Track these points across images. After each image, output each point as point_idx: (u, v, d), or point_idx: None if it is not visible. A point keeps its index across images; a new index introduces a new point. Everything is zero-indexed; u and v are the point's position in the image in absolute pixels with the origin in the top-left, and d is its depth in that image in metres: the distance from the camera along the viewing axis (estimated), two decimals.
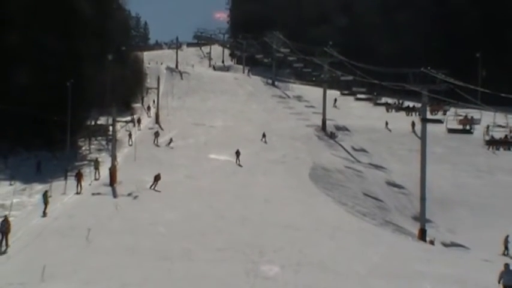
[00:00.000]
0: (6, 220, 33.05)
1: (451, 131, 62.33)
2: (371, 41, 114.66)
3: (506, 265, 24.64)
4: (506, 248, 41.66)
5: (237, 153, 60.12)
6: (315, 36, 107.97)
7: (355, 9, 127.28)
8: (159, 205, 43.05)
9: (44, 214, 39.55)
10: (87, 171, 54.88)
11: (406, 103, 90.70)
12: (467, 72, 77.21)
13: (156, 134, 68.84)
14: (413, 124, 76.36)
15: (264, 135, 70.76)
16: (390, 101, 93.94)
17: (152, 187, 47.70)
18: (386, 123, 79.38)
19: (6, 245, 32.45)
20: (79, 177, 48.22)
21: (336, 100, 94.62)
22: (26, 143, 64.15)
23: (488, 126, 59.99)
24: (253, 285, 26.05)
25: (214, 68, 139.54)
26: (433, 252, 40.37)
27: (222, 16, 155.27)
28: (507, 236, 41.83)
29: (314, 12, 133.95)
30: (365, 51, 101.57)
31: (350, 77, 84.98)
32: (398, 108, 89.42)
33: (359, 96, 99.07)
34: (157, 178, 48.16)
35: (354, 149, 73.60)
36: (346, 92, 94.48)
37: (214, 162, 61.04)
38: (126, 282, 25.69)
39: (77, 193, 46.82)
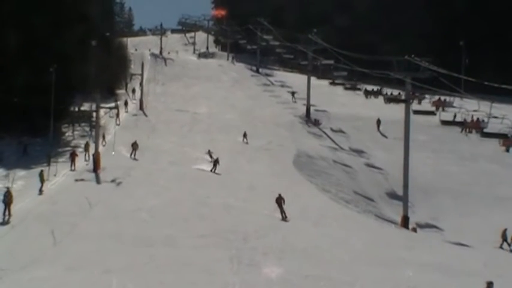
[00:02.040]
0: (8, 192, 36.26)
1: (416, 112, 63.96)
2: (357, 28, 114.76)
3: (490, 284, 23.09)
4: (505, 241, 41.65)
5: (216, 161, 51.98)
6: (300, 24, 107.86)
7: None
8: (142, 191, 42.95)
9: (41, 192, 40.45)
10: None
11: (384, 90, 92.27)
12: (450, 61, 77.23)
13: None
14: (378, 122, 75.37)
15: (245, 135, 64.11)
16: (371, 88, 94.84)
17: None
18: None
19: (9, 214, 35.47)
20: (73, 157, 48.48)
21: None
22: (9, 129, 63.70)
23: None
24: (237, 272, 26.09)
25: (199, 56, 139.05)
26: (415, 240, 40.56)
27: (220, 13, 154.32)
28: (505, 230, 41.83)
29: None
30: (348, 39, 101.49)
31: (331, 61, 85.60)
32: (377, 94, 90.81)
33: (337, 81, 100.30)
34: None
35: (332, 130, 74.43)
36: (326, 78, 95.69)
37: (198, 148, 60.91)
38: (109, 268, 25.65)
39: (72, 170, 50.17)
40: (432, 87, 60.67)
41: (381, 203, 53.87)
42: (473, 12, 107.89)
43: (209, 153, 54.23)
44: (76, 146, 60.42)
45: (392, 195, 54.72)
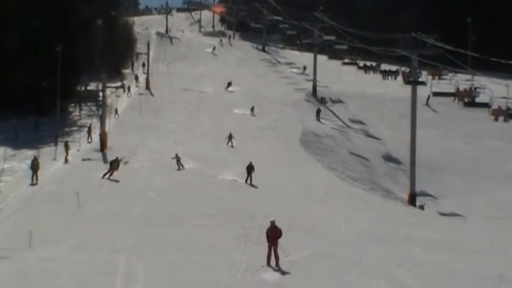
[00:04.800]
0: (36, 159, 40.16)
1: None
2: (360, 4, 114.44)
3: None
4: None
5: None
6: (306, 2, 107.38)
7: None
8: (149, 171, 43.02)
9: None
10: (77, 137, 54.93)
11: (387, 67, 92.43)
12: (457, 38, 77.08)
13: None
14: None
15: (230, 137, 54.73)
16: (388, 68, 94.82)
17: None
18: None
19: (37, 179, 39.14)
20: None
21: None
22: (16, 109, 63.81)
23: None
24: (244, 250, 26.13)
25: (205, 34, 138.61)
26: (423, 217, 40.58)
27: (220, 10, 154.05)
28: None
29: None
30: (353, 17, 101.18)
31: (332, 37, 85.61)
32: (375, 69, 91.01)
33: (348, 61, 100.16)
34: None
35: (332, 101, 76.04)
36: (337, 58, 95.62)
37: (204, 128, 60.93)
38: (116, 247, 25.71)
39: (89, 142, 53.00)
40: (438, 64, 60.60)
41: (388, 181, 53.88)
42: None
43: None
44: (83, 126, 60.62)
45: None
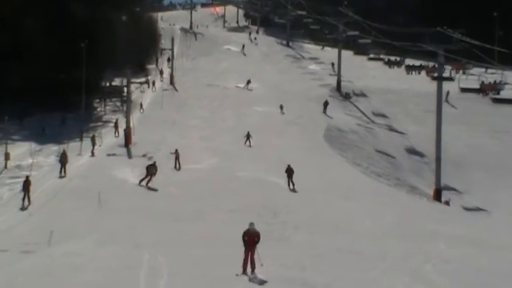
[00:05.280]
0: (64, 153, 41.53)
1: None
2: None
3: None
4: None
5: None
6: None
7: None
8: (172, 167, 43.05)
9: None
10: (102, 132, 55.21)
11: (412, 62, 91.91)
12: (483, 32, 76.43)
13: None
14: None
15: (248, 136, 52.29)
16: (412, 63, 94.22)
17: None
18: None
19: (65, 172, 40.12)
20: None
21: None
22: (42, 105, 64.29)
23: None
24: (267, 246, 26.04)
25: (229, 30, 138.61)
26: (448, 213, 40.30)
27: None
28: None
29: None
30: (379, 10, 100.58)
31: (356, 32, 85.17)
32: (419, 69, 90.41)
33: (374, 56, 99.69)
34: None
35: (356, 94, 76.20)
36: (363, 54, 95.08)
37: (228, 123, 60.92)
38: (140, 242, 25.81)
39: (116, 136, 53.57)
40: (464, 58, 60.21)
41: (413, 176, 53.59)
42: None
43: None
44: (107, 121, 61.01)
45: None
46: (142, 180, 37.65)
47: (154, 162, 39.03)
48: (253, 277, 21.41)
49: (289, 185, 38.27)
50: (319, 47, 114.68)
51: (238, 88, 77.33)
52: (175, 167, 42.71)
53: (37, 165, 45.44)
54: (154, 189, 36.83)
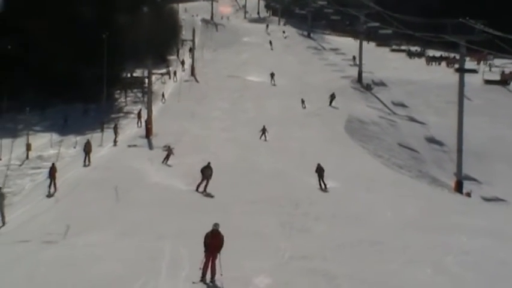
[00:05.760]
0: (88, 142, 42.10)
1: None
2: None
3: None
4: None
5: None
6: None
7: None
8: (193, 158, 43.09)
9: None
10: (123, 123, 55.40)
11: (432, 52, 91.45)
12: (506, 22, 75.71)
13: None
14: None
15: (264, 130, 51.71)
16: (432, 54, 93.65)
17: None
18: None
19: (89, 161, 41.09)
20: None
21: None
22: (63, 96, 64.66)
23: None
24: (289, 237, 26.09)
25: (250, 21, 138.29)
26: (469, 205, 40.09)
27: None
28: None
29: None
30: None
31: (377, 23, 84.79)
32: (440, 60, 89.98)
33: (396, 47, 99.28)
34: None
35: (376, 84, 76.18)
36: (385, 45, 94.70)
37: (248, 115, 60.91)
38: (161, 233, 25.87)
39: (139, 127, 53.83)
40: (486, 49, 59.63)
41: (435, 168, 53.35)
42: None
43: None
44: (128, 112, 61.25)
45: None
46: (199, 185, 34.17)
47: (209, 163, 34.67)
48: (212, 285, 19.68)
49: (320, 185, 36.24)
50: (340, 38, 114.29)
51: (259, 79, 77.23)
52: (163, 162, 40.89)
53: (59, 156, 45.74)
54: (212, 196, 33.65)
